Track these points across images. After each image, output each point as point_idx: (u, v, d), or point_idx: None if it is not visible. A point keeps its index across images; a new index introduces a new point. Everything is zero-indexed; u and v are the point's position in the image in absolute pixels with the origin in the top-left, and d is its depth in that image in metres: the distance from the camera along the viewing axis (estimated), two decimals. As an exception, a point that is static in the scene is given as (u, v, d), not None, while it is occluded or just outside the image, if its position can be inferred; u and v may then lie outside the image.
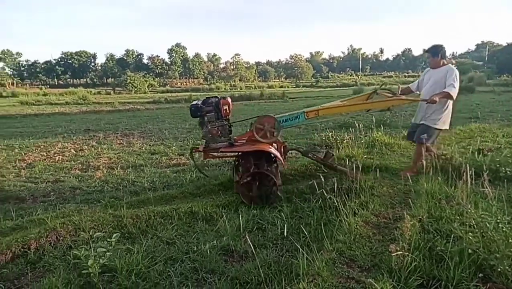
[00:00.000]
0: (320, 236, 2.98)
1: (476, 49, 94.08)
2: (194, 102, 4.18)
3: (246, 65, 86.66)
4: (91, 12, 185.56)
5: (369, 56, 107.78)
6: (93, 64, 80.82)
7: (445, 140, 6.96)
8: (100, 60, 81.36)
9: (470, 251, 2.41)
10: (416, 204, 3.44)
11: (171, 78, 75.95)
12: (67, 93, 33.69)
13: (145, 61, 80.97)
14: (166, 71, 78.10)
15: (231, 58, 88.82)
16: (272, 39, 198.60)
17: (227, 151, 4.13)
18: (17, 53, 76.87)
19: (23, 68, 76.41)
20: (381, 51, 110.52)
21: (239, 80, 72.63)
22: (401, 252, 2.45)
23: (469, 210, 2.85)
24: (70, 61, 75.79)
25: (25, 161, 6.85)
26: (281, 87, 52.14)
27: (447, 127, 4.76)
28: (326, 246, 2.71)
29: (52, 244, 3.06)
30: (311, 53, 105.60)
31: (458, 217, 3.06)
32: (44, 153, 7.59)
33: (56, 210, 3.86)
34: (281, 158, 4.07)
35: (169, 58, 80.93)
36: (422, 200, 3.53)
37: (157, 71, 76.43)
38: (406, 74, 74.96)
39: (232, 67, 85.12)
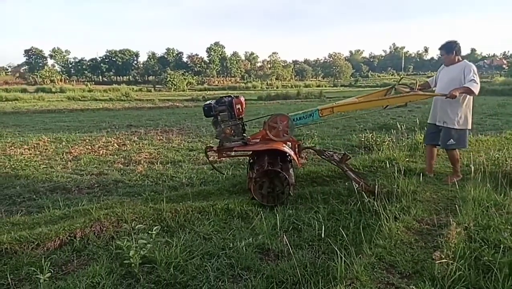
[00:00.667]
0: (358, 239, 2.91)
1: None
2: (208, 102, 4.21)
3: (283, 64, 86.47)
4: (135, 12, 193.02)
5: (413, 55, 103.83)
6: (135, 62, 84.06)
7: (495, 145, 6.56)
8: (142, 58, 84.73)
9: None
10: (462, 211, 3.27)
11: (209, 76, 77.37)
12: (111, 89, 35.30)
13: (184, 59, 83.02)
14: (204, 70, 79.59)
15: (268, 57, 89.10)
16: (311, 37, 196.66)
17: (241, 150, 4.12)
18: (66, 51, 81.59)
19: (70, 65, 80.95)
20: (426, 50, 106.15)
21: (276, 78, 72.57)
22: (445, 260, 2.33)
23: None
24: (114, 59, 79.31)
25: (72, 154, 7.24)
26: (318, 86, 51.52)
27: (470, 127, 4.42)
28: (365, 250, 2.64)
29: (96, 234, 3.21)
30: (350, 52, 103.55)
31: (508, 227, 2.88)
32: (89, 146, 7.98)
33: (100, 201, 4.04)
34: (295, 157, 4.01)
35: (207, 56, 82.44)
36: (468, 207, 3.34)
37: (195, 70, 78.09)
38: (452, 74, 71.51)
39: (269, 65, 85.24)
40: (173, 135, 9.50)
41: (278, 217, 3.25)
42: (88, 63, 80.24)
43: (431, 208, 3.59)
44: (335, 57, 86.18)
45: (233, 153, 4.25)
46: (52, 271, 2.58)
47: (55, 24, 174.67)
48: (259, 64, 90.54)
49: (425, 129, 5.01)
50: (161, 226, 3.13)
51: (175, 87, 46.80)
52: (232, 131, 4.10)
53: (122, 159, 6.70)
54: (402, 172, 3.88)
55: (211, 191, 4.51)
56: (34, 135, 9.64)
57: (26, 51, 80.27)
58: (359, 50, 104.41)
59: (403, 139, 6.94)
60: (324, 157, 4.49)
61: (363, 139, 7.13)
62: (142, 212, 3.53)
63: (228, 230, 3.30)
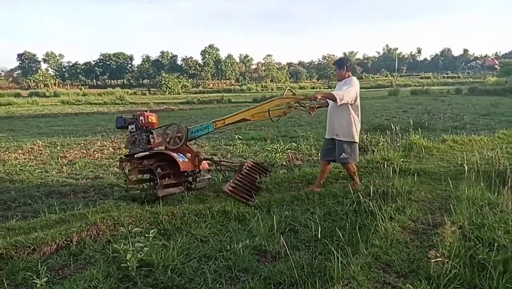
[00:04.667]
0: (354, 240, 2.93)
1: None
2: (120, 115, 4.92)
3: (277, 66, 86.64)
4: (129, 15, 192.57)
5: (406, 56, 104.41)
6: (130, 65, 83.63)
7: (488, 144, 6.63)
8: (137, 61, 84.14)
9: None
10: (456, 210, 3.30)
11: (204, 79, 77.34)
12: (105, 93, 35.22)
13: (179, 62, 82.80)
14: (199, 72, 79.51)
15: (263, 59, 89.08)
16: (305, 39, 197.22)
17: (141, 158, 4.44)
18: (60, 55, 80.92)
19: (64, 69, 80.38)
20: (419, 51, 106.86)
21: (271, 81, 72.75)
22: (440, 259, 2.36)
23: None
24: (108, 62, 78.90)
25: (67, 158, 7.20)
26: (313, 88, 51.79)
27: (356, 140, 4.31)
28: (361, 250, 2.66)
29: (92, 238, 3.20)
30: (344, 53, 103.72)
31: (502, 225, 2.91)
32: (84, 150, 7.95)
33: (96, 205, 4.03)
34: (178, 161, 4.17)
35: (202, 59, 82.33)
36: (463, 206, 3.38)
37: (190, 72, 77.97)
38: (445, 75, 72.10)
39: (263, 68, 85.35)
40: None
41: (275, 219, 3.26)
42: (82, 67, 79.69)
43: (426, 208, 3.62)
44: (329, 59, 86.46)
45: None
46: (49, 276, 2.57)
47: (49, 28, 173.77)
48: (253, 67, 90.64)
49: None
50: (157, 229, 3.13)
51: (170, 90, 46.76)
52: (137, 141, 4.65)
53: (118, 163, 6.67)
54: (397, 172, 3.90)
55: (208, 193, 4.51)
56: (29, 139, 9.59)
57: (19, 55, 79.46)
58: (353, 51, 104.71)
59: (398, 139, 7.00)
60: (219, 167, 4.92)
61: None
62: (139, 215, 3.52)
63: (225, 232, 3.31)
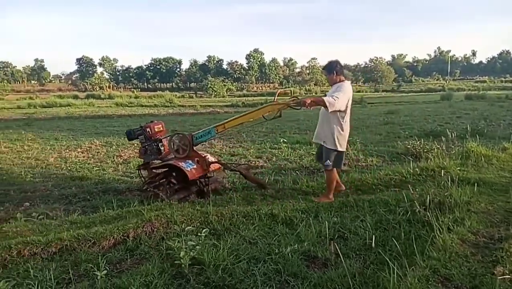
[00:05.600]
0: (409, 251, 2.80)
1: None
2: (129, 129, 5.17)
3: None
4: (179, 21, 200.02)
5: (459, 58, 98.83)
6: (178, 69, 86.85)
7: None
8: (185, 65, 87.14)
9: None
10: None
11: (248, 83, 78.26)
12: (155, 96, 36.77)
13: (224, 66, 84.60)
14: (243, 76, 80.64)
15: (307, 62, 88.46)
16: (351, 42, 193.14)
17: (154, 166, 4.79)
18: (114, 59, 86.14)
19: (118, 73, 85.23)
20: (474, 54, 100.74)
21: (315, 84, 71.98)
22: (508, 276, 2.19)
23: None
24: (158, 67, 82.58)
25: (121, 157, 7.61)
26: (359, 91, 50.50)
27: (342, 149, 4.24)
28: (418, 262, 2.54)
29: (147, 234, 3.34)
30: (392, 56, 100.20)
31: None
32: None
33: (150, 203, 4.21)
34: (186, 171, 4.29)
35: (247, 63, 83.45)
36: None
37: (235, 76, 79.33)
38: (503, 79, 67.15)
39: (307, 71, 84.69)
40: (215, 140, 9.69)
41: (326, 225, 3.21)
42: (135, 71, 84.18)
43: (487, 220, 3.39)
44: (377, 62, 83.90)
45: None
46: (108, 269, 2.72)
47: (104, 34, 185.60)
48: (297, 70, 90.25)
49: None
50: (208, 228, 3.20)
51: (215, 93, 47.81)
52: (148, 151, 4.87)
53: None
54: (456, 181, 3.69)
55: (254, 196, 4.55)
56: (87, 139, 10.25)
57: (78, 60, 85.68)
58: (402, 54, 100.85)
59: (453, 147, 6.62)
60: (229, 168, 5.11)
61: (409, 146, 6.89)
62: (190, 214, 3.64)
63: (272, 235, 3.31)
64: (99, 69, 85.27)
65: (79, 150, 8.55)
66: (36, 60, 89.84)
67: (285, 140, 8.58)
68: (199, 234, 2.89)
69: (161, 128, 5.01)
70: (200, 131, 4.70)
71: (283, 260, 2.78)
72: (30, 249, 3.03)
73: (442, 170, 4.73)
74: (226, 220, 3.62)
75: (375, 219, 3.52)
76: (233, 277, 2.58)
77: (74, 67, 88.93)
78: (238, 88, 66.94)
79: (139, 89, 65.57)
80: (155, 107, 25.82)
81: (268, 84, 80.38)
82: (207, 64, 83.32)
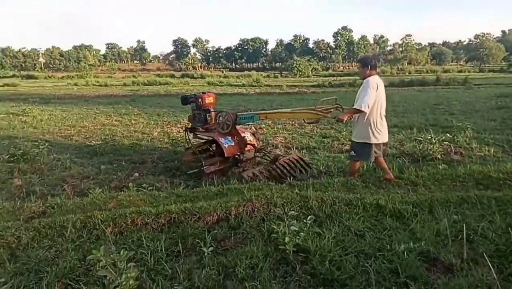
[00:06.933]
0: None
1: None
2: (184, 95, 5.75)
3: (417, 47, 78.46)
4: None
5: None
6: (264, 49, 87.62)
7: None
8: (271, 45, 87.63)
9: None
10: None
11: (334, 62, 75.54)
12: (243, 76, 37.65)
13: (310, 45, 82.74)
14: (329, 55, 78.05)
15: (400, 40, 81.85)
16: (452, 16, 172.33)
17: (198, 133, 5.38)
18: (205, 40, 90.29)
19: (209, 54, 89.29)
20: None
21: (408, 63, 66.41)
22: None
23: None
24: (246, 47, 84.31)
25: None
26: (460, 71, 45.24)
27: (372, 141, 4.19)
28: None
29: (248, 214, 3.32)
30: (503, 31, 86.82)
31: None
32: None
33: (249, 182, 4.22)
34: (224, 147, 4.72)
35: (334, 41, 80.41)
36: None
37: (321, 55, 77.16)
38: None
39: (400, 49, 78.41)
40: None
41: (446, 223, 2.82)
42: (224, 51, 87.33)
43: None
44: (483, 38, 73.73)
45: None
46: (213, 246, 2.74)
47: (197, 16, 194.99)
48: (389, 48, 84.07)
49: None
50: (312, 216, 3.04)
51: (300, 73, 47.15)
52: (196, 118, 5.29)
53: (261, 143, 6.94)
54: None
55: (356, 183, 4.25)
56: (185, 115, 10.83)
57: (174, 41, 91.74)
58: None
59: None
60: (259, 154, 5.44)
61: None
62: (290, 197, 3.52)
63: (381, 229, 3.03)
64: (192, 50, 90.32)
65: (178, 125, 9.07)
66: (138, 41, 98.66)
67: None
68: (303, 220, 2.76)
69: (212, 100, 5.40)
70: (245, 113, 5.11)
71: (398, 259, 2.51)
72: (142, 219, 3.22)
73: None
74: (327, 206, 3.43)
75: (507, 221, 3.00)
76: (342, 271, 2.40)
77: (171, 48, 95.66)
78: (324, 68, 64.98)
79: (228, 69, 67.94)
80: (242, 87, 26.41)
81: (355, 64, 76.58)
82: (292, 43, 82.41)
